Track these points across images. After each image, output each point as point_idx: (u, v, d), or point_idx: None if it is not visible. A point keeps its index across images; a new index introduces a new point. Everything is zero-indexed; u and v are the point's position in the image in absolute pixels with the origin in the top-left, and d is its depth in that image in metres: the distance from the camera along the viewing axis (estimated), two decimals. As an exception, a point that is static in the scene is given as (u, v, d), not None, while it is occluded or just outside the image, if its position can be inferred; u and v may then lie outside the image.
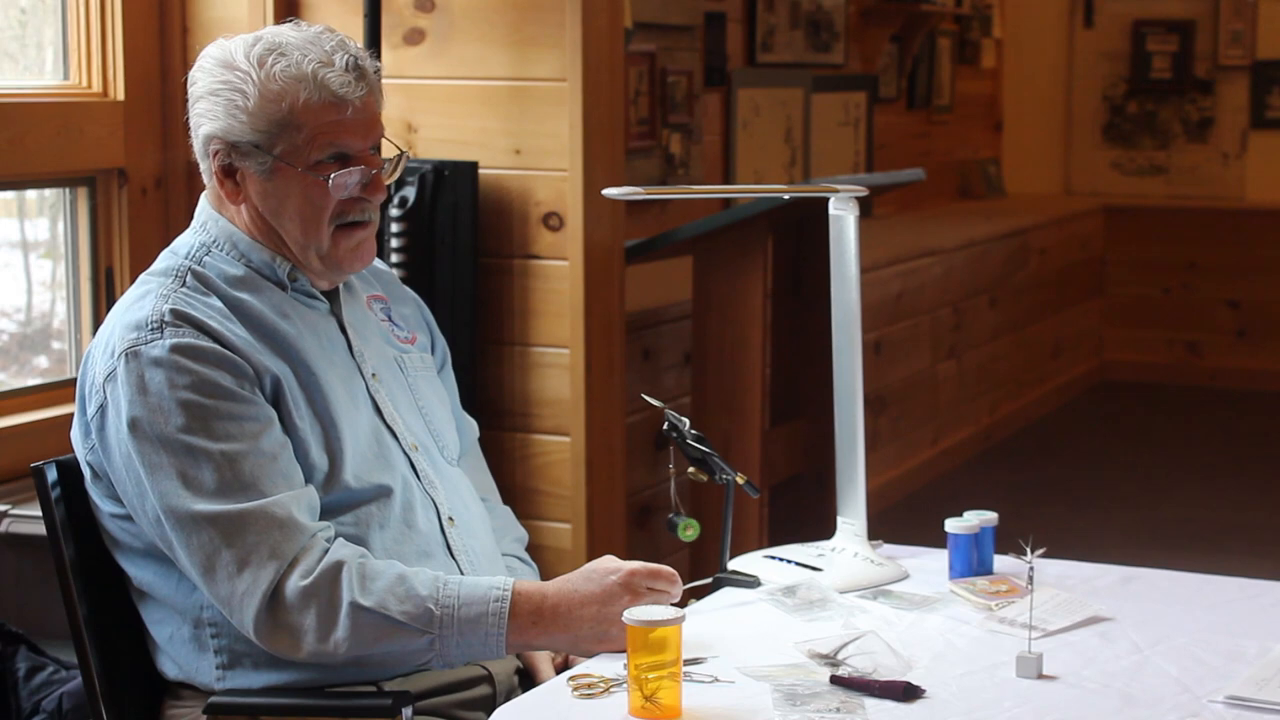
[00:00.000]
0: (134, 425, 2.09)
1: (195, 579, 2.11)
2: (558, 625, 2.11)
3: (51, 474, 2.23)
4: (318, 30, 2.23)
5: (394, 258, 3.51)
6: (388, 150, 2.31)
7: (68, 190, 3.64)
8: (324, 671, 2.14)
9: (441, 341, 2.52)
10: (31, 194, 3.72)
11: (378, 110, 2.25)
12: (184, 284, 2.18)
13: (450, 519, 2.29)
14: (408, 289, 2.52)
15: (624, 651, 1.93)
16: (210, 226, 2.26)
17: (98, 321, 3.59)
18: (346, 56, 2.19)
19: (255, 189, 2.22)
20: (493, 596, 2.10)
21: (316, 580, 2.06)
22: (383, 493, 2.22)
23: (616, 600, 2.10)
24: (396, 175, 2.31)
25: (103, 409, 2.13)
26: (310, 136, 2.18)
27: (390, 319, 2.41)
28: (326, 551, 2.09)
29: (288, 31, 2.22)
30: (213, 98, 2.20)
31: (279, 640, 2.08)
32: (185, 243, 2.27)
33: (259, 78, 2.17)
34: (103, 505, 2.19)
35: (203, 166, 2.26)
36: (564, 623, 2.11)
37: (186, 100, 2.25)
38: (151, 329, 2.12)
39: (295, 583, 2.06)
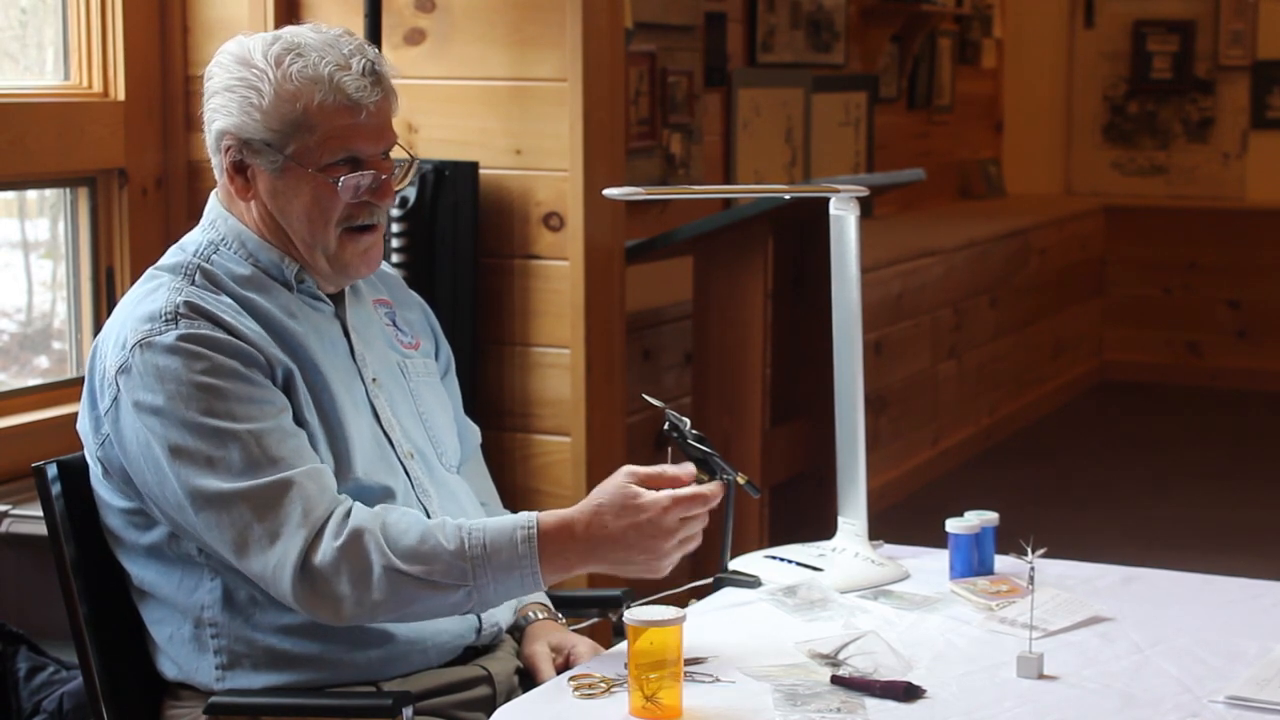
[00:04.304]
0: (154, 413, 2.08)
1: (229, 559, 2.10)
2: (592, 557, 2.10)
3: (52, 474, 2.23)
4: (337, 33, 2.22)
5: (394, 258, 3.51)
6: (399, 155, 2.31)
7: (68, 190, 3.64)
8: (323, 671, 2.14)
9: (446, 347, 2.51)
10: (32, 194, 3.72)
11: (391, 116, 2.24)
12: (193, 281, 2.18)
13: (443, 527, 2.28)
14: (413, 293, 2.52)
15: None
16: (219, 224, 2.26)
17: (98, 321, 3.59)
18: (364, 61, 2.19)
19: (265, 186, 2.22)
20: (519, 538, 2.09)
21: (342, 548, 2.06)
22: (388, 494, 2.21)
23: (652, 542, 2.08)
24: (407, 182, 2.31)
25: (116, 401, 2.12)
26: (322, 138, 2.18)
27: (394, 323, 2.41)
28: (348, 516, 2.08)
29: (307, 32, 2.22)
30: (228, 93, 2.19)
31: (320, 609, 2.07)
32: (194, 240, 2.26)
33: (275, 77, 2.17)
34: (112, 501, 2.19)
35: (214, 162, 2.26)
36: (597, 555, 2.10)
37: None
38: (165, 320, 2.11)
39: (323, 551, 2.05)
